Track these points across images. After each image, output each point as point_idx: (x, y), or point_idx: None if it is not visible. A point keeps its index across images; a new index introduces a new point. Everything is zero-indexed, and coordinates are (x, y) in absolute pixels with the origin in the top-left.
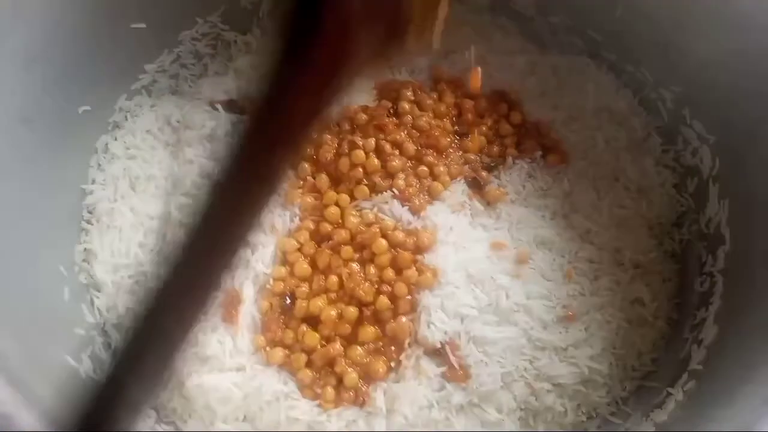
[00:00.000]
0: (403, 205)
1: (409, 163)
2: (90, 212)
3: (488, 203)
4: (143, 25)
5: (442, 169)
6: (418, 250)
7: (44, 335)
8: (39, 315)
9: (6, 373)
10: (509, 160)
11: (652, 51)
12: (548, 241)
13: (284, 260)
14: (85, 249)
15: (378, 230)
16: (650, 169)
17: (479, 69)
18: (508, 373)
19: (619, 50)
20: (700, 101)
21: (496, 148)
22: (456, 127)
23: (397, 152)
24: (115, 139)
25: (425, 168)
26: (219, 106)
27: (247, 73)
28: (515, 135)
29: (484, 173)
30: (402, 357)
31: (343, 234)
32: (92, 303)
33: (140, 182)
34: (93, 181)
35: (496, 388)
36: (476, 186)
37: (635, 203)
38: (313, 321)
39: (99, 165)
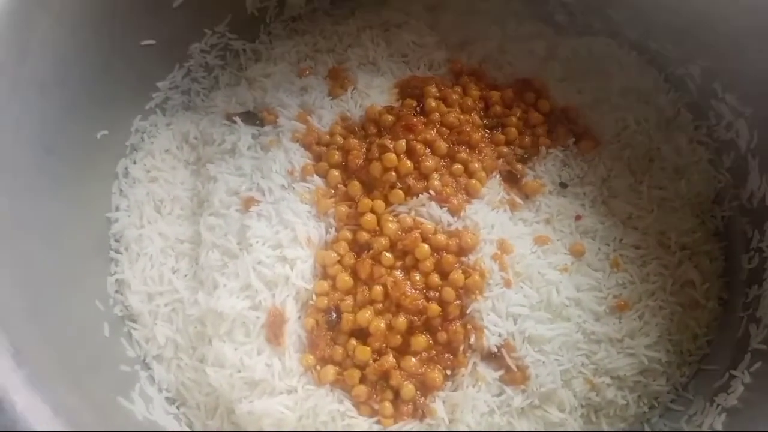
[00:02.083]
0: (441, 207)
1: (442, 162)
2: (117, 241)
3: (526, 196)
4: (153, 42)
5: (476, 165)
6: (462, 251)
7: (97, 380)
8: (88, 359)
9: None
10: (542, 149)
11: (676, 26)
12: (591, 230)
13: (325, 274)
14: (117, 280)
15: (418, 235)
16: (684, 147)
17: None
18: (567, 370)
19: (640, 27)
20: (733, 74)
21: (527, 139)
22: (485, 121)
23: (428, 152)
24: (135, 162)
25: (460, 166)
26: (237, 119)
27: (260, 82)
28: (545, 123)
29: (519, 166)
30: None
31: (382, 242)
32: (130, 335)
33: (165, 205)
34: (117, 208)
35: (556, 387)
36: (512, 179)
37: (673, 183)
38: (361, 334)
39: (121, 191)
